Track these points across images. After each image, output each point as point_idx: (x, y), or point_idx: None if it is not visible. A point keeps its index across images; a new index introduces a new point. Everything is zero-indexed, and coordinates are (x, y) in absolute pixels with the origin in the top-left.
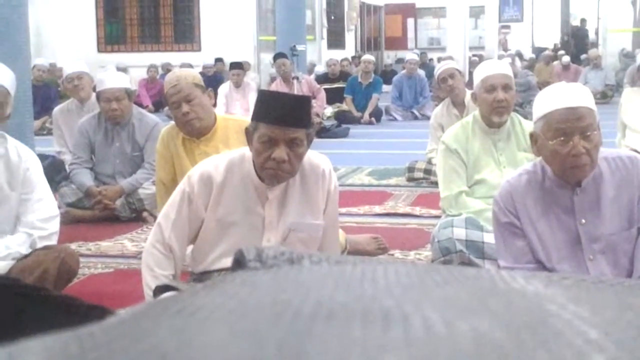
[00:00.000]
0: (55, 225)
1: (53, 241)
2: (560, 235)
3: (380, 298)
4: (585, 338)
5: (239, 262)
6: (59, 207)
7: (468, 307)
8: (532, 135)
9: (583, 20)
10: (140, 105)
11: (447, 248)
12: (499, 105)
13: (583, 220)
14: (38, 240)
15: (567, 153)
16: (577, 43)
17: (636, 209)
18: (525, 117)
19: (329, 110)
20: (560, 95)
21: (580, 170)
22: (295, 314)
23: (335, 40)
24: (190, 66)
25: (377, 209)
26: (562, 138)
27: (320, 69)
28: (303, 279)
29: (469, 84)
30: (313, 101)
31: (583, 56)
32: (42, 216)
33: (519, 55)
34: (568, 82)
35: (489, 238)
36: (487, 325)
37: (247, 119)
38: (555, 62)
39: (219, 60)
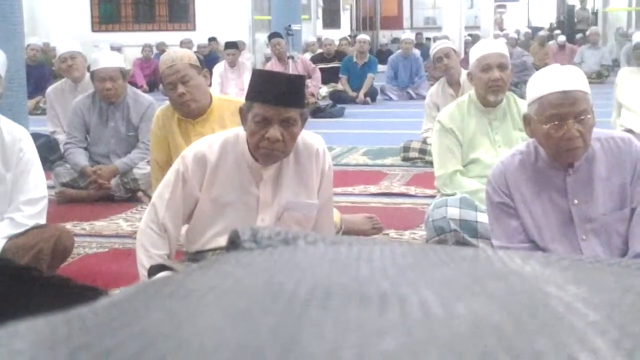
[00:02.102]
0: (39, 207)
1: (37, 220)
2: (553, 216)
3: (376, 279)
4: (586, 321)
5: (234, 243)
6: (54, 187)
7: (466, 289)
8: (525, 117)
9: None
10: (135, 85)
11: (441, 227)
12: (494, 85)
13: (576, 201)
14: (21, 219)
15: (560, 136)
16: (578, 22)
17: (629, 190)
18: (521, 97)
19: (324, 90)
20: (555, 79)
21: (574, 153)
22: (290, 296)
23: (331, 19)
24: (191, 42)
25: (372, 188)
26: (555, 122)
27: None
28: (298, 260)
29: (464, 63)
30: (308, 81)
31: (579, 35)
32: (29, 197)
33: (516, 36)
34: (563, 63)
35: (483, 218)
36: (486, 308)
37: (242, 100)
38: (551, 42)
39: (212, 39)
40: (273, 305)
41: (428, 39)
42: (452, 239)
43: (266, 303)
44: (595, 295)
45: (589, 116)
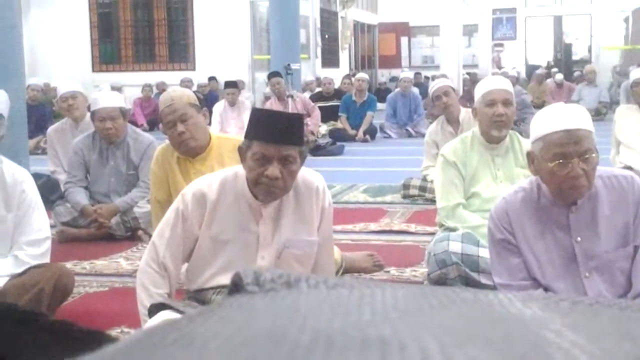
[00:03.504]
0: (43, 248)
1: (41, 261)
2: (555, 253)
3: (378, 325)
4: None
5: (237, 286)
6: (54, 226)
7: (465, 335)
8: (529, 155)
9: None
10: (135, 124)
11: (443, 260)
12: (499, 120)
13: (579, 238)
14: (24, 257)
15: (565, 175)
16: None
17: (632, 228)
18: (520, 134)
19: (324, 128)
20: (559, 117)
21: (578, 192)
22: (293, 343)
23: (330, 58)
24: (190, 82)
25: (373, 226)
26: (560, 160)
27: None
28: (300, 305)
29: (463, 102)
30: (308, 119)
31: (576, 73)
32: (32, 238)
33: (516, 74)
34: (561, 101)
35: (484, 253)
36: (484, 355)
37: (241, 138)
38: (549, 80)
39: (212, 79)
40: (277, 352)
41: (426, 77)
42: (453, 273)
43: (270, 350)
44: (593, 343)
45: (593, 155)
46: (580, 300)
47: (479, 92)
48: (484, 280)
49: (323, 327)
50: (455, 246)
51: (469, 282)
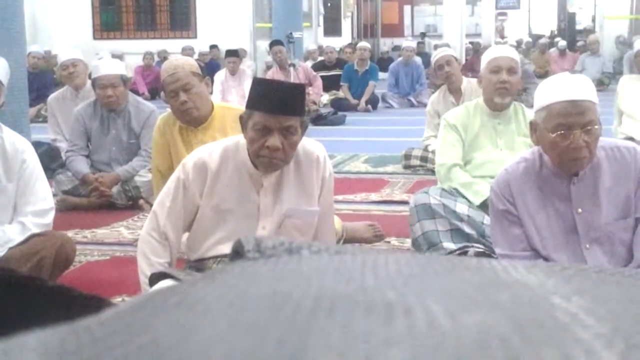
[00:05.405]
0: (49, 218)
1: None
2: (556, 224)
3: (382, 289)
4: (592, 332)
5: (238, 252)
6: (55, 195)
7: (471, 300)
8: (532, 124)
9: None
10: (136, 92)
11: (424, 210)
12: (501, 87)
13: (580, 210)
14: (31, 227)
15: (566, 146)
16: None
17: (633, 200)
18: (521, 103)
19: (326, 98)
20: (564, 87)
21: (579, 163)
22: (296, 307)
23: (332, 27)
24: (192, 50)
25: (374, 196)
26: (562, 131)
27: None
28: (303, 270)
29: (465, 71)
30: (309, 88)
31: (580, 43)
32: (37, 208)
33: (516, 45)
34: (564, 69)
35: (460, 207)
36: (492, 318)
37: (244, 108)
38: (552, 49)
39: (213, 47)
40: (279, 316)
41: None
42: (443, 226)
43: (272, 314)
44: (601, 307)
45: (596, 127)
46: (584, 268)
47: (485, 59)
48: (467, 229)
49: (326, 292)
50: (434, 197)
51: (454, 232)
